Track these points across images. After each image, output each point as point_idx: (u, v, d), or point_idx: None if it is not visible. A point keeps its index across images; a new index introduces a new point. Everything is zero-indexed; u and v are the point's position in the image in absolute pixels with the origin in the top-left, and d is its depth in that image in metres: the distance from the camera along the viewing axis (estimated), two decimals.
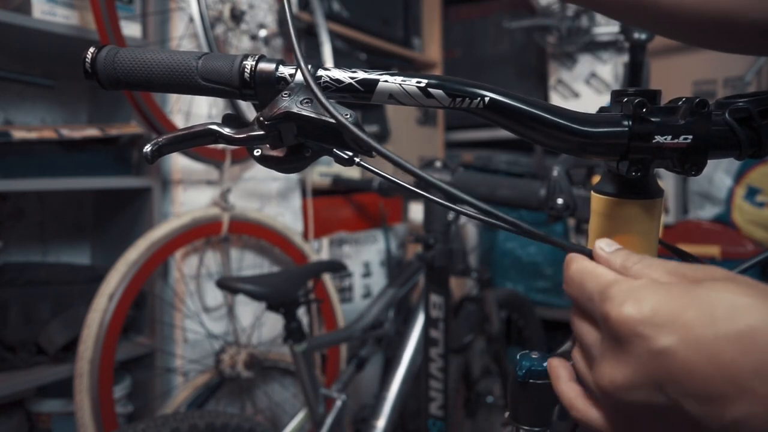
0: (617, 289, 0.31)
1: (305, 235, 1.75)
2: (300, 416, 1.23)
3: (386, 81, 0.42)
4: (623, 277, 0.32)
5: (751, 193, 1.79)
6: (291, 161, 0.43)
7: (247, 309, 1.58)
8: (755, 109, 0.39)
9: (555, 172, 0.96)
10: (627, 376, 0.29)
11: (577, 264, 0.36)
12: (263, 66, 0.42)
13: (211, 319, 1.50)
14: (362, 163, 0.43)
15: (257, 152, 0.44)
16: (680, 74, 1.87)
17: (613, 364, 0.30)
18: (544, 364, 0.48)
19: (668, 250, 0.50)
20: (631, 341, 0.29)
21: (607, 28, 1.97)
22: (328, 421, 1.15)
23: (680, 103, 0.39)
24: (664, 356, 0.27)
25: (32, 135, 1.17)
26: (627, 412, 0.30)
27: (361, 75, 0.43)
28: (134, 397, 1.42)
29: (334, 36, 1.80)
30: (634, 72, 1.02)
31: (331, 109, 0.38)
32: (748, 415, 0.25)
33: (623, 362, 0.29)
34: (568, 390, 0.36)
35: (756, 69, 1.71)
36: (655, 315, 0.28)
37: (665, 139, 0.39)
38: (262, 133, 0.40)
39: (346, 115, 0.38)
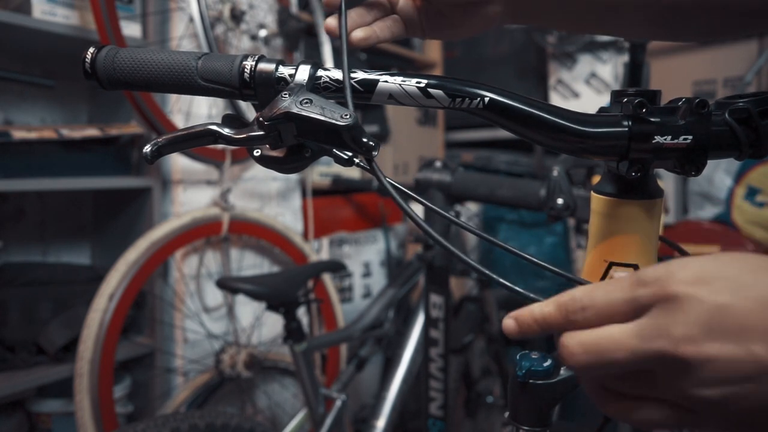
0: (652, 270, 0.29)
1: (305, 235, 1.75)
2: (300, 416, 1.23)
3: (386, 81, 0.42)
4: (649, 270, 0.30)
5: (751, 193, 1.79)
6: (291, 161, 0.43)
7: (247, 309, 1.58)
8: (755, 110, 0.39)
9: (555, 172, 0.96)
10: (698, 331, 0.26)
11: (579, 336, 0.30)
12: (263, 66, 0.42)
13: (211, 319, 1.50)
14: (361, 163, 0.43)
15: (257, 152, 0.44)
16: (680, 74, 1.87)
17: (680, 326, 0.27)
18: (544, 364, 0.48)
19: (669, 246, 0.50)
20: (690, 301, 0.27)
21: None
22: (328, 421, 1.15)
23: (680, 103, 0.39)
24: (724, 307, 0.26)
25: (32, 135, 1.17)
26: (709, 371, 0.27)
27: (360, 75, 0.43)
28: (134, 397, 1.42)
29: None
30: (634, 72, 1.02)
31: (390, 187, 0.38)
32: None
33: (689, 322, 0.27)
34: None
35: (756, 69, 1.71)
36: (705, 273, 0.27)
37: (665, 139, 0.39)
38: (261, 133, 0.40)
39: (346, 115, 0.38)
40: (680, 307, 0.27)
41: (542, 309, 0.32)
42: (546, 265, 0.41)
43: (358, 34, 0.46)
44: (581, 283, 0.43)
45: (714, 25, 0.45)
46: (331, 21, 0.45)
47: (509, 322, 0.33)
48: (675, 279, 0.28)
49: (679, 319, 0.27)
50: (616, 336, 0.28)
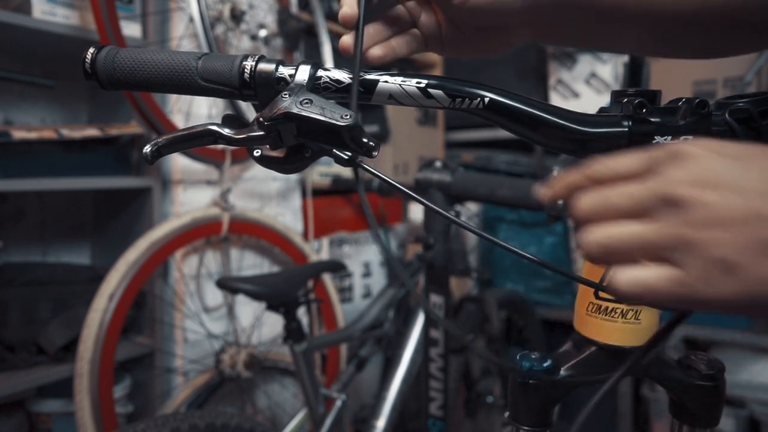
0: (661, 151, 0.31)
1: (305, 235, 1.75)
2: (300, 416, 1.23)
3: (386, 81, 0.42)
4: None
5: None
6: (291, 161, 0.43)
7: (247, 309, 1.58)
8: (755, 110, 0.39)
9: (555, 172, 0.96)
10: (693, 177, 0.29)
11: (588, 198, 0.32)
12: (263, 66, 0.42)
13: (211, 319, 1.50)
14: (362, 163, 0.43)
15: (257, 152, 0.44)
16: (680, 74, 1.87)
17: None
18: (544, 364, 0.48)
19: None
20: (693, 156, 0.29)
21: None
22: (328, 421, 1.15)
23: (680, 103, 0.39)
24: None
25: (32, 135, 1.17)
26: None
27: (361, 75, 0.43)
28: (134, 397, 1.42)
29: (334, 36, 1.80)
30: (634, 72, 1.02)
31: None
32: None
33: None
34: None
35: (756, 69, 1.71)
36: (716, 142, 0.30)
37: (665, 139, 0.39)
38: (261, 133, 0.40)
39: (346, 115, 0.38)
40: (685, 159, 0.29)
41: (569, 174, 0.34)
42: (546, 262, 0.41)
43: (375, 52, 0.45)
44: (581, 280, 0.43)
45: (716, 42, 0.45)
46: (347, 39, 0.43)
47: (546, 191, 0.35)
48: (686, 142, 0.30)
49: (682, 166, 0.29)
50: (625, 188, 0.31)
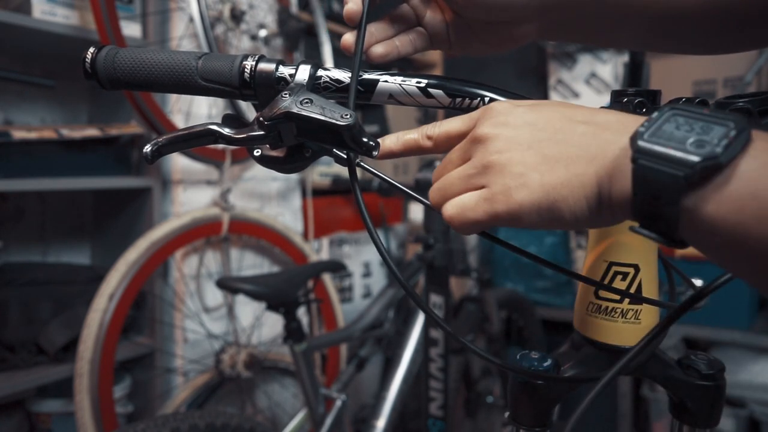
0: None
1: (305, 235, 1.75)
2: (300, 416, 1.23)
3: (386, 81, 0.42)
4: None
5: None
6: (291, 161, 0.43)
7: (247, 309, 1.58)
8: (755, 109, 0.39)
9: None
10: (490, 121, 0.36)
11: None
12: (263, 66, 0.42)
13: (211, 319, 1.50)
14: (362, 163, 0.43)
15: (257, 152, 0.44)
16: (680, 74, 1.87)
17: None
18: (544, 364, 0.48)
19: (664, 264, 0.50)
20: (492, 109, 0.37)
21: None
22: (328, 421, 1.15)
23: (680, 103, 0.39)
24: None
25: (32, 135, 1.17)
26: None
27: (361, 75, 0.43)
28: (134, 397, 1.42)
29: (334, 36, 1.80)
30: (634, 72, 1.02)
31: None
32: None
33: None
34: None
35: (756, 69, 1.71)
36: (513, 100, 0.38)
37: None
38: (261, 133, 0.40)
39: (346, 115, 0.38)
40: (491, 111, 0.37)
41: (406, 132, 0.41)
42: (547, 261, 0.41)
43: (377, 50, 0.45)
44: (582, 279, 0.43)
45: (720, 38, 0.45)
46: (349, 37, 0.43)
47: (384, 143, 0.41)
48: (496, 101, 0.39)
49: (489, 116, 0.36)
50: (455, 147, 0.38)
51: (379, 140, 0.40)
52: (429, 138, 0.40)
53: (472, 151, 0.36)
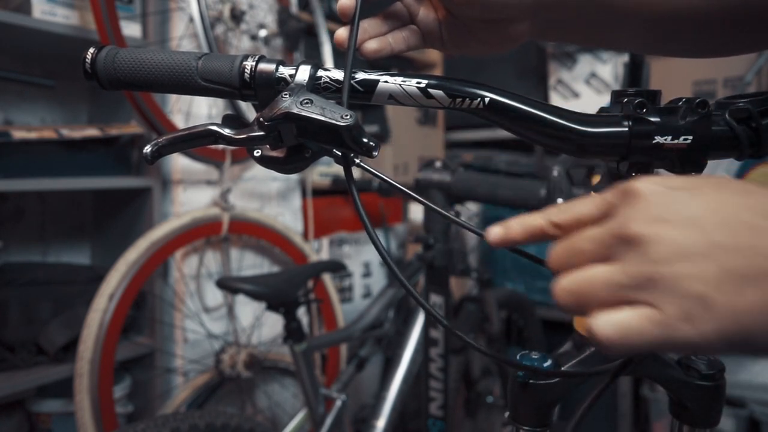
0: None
1: (305, 235, 1.75)
2: (300, 416, 1.23)
3: (386, 81, 0.42)
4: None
5: None
6: (291, 162, 0.43)
7: (247, 309, 1.58)
8: (755, 109, 0.39)
9: (555, 172, 0.96)
10: (647, 215, 0.29)
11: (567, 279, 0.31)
12: (263, 66, 0.42)
13: (211, 319, 1.50)
14: (362, 163, 0.43)
15: (257, 153, 0.44)
16: (680, 74, 1.87)
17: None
18: (545, 364, 0.48)
19: None
20: (643, 193, 0.29)
21: None
22: (328, 421, 1.15)
23: (680, 103, 0.39)
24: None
25: (32, 135, 1.17)
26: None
27: (361, 75, 0.43)
28: (134, 397, 1.42)
29: (334, 36, 1.80)
30: (634, 72, 1.02)
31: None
32: None
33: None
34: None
35: (756, 69, 1.71)
36: (666, 177, 0.30)
37: (665, 139, 0.39)
38: (261, 133, 0.40)
39: (346, 115, 0.38)
40: (638, 198, 0.29)
41: (529, 216, 0.34)
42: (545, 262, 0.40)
43: (370, 45, 0.44)
44: None
45: (718, 41, 0.45)
46: (342, 32, 0.43)
47: (495, 229, 0.34)
48: (638, 180, 0.30)
49: (635, 205, 0.29)
50: (587, 232, 0.31)
51: (503, 226, 0.34)
52: (556, 226, 0.33)
53: (619, 251, 0.29)
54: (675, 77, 1.88)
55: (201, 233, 1.37)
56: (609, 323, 0.28)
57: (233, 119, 0.43)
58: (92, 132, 1.27)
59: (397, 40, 0.46)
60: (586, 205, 0.32)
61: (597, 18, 0.44)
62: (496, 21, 0.44)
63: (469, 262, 1.50)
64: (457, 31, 0.46)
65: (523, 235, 0.34)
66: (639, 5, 0.43)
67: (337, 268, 1.29)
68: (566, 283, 0.30)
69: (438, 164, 1.08)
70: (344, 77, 0.41)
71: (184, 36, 1.41)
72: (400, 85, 0.42)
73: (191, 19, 1.33)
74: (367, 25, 0.44)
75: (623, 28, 0.45)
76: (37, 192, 1.46)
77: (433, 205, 0.42)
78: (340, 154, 0.43)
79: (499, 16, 0.44)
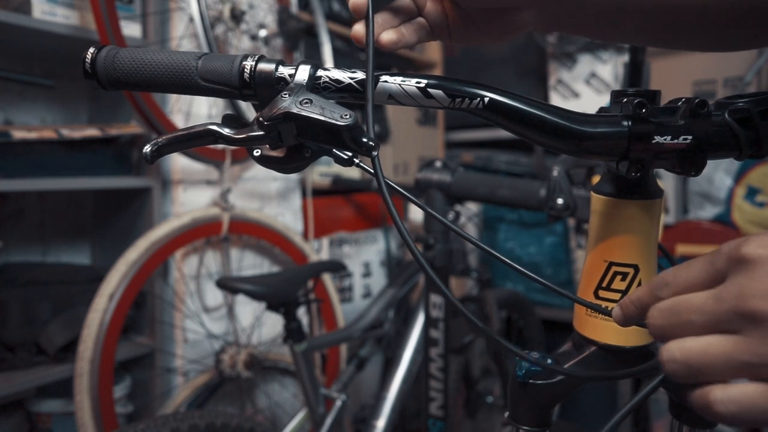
0: (727, 243, 0.30)
1: (305, 235, 1.75)
2: (300, 416, 1.23)
3: (386, 81, 0.42)
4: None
5: (751, 193, 1.79)
6: (291, 161, 0.43)
7: (247, 309, 1.58)
8: (755, 110, 0.39)
9: (555, 172, 0.96)
10: (764, 287, 0.27)
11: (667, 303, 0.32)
12: (263, 66, 0.42)
13: (211, 319, 1.50)
14: (361, 163, 0.43)
15: (257, 152, 0.44)
16: (680, 74, 1.87)
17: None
18: None
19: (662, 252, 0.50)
20: (758, 261, 0.28)
21: None
22: (328, 421, 1.15)
23: (680, 103, 0.39)
24: None
25: (32, 135, 1.17)
26: None
27: (360, 75, 0.43)
28: (134, 397, 1.42)
29: (334, 36, 1.80)
30: (634, 72, 1.02)
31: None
32: None
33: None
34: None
35: (756, 69, 1.71)
36: None
37: (665, 139, 0.39)
38: (261, 133, 0.40)
39: (346, 115, 0.38)
40: (752, 267, 0.28)
41: (636, 291, 0.34)
42: (537, 278, 0.41)
43: (387, 36, 0.44)
44: (569, 297, 0.43)
45: (723, 36, 0.45)
46: (358, 28, 0.43)
47: (617, 311, 0.36)
48: (748, 243, 0.29)
49: (752, 276, 0.28)
50: (695, 302, 0.30)
51: (621, 305, 0.35)
52: (659, 297, 0.33)
53: (739, 327, 0.28)
54: (675, 77, 1.88)
55: (201, 233, 1.37)
56: (733, 400, 0.28)
57: (233, 119, 0.43)
58: (92, 132, 1.27)
59: (410, 32, 0.46)
60: (693, 270, 0.31)
61: (601, 10, 0.44)
62: (502, 11, 0.45)
63: (469, 262, 1.50)
64: (463, 22, 0.46)
65: (635, 310, 0.34)
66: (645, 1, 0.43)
67: (337, 268, 1.29)
68: (679, 355, 0.29)
69: (438, 164, 1.08)
70: (366, 74, 0.41)
71: (184, 36, 1.41)
72: (399, 84, 0.42)
73: (191, 19, 1.33)
74: (381, 19, 0.45)
75: (627, 21, 0.45)
76: (37, 192, 1.46)
77: (429, 209, 0.42)
78: (339, 154, 0.43)
79: (501, 5, 0.44)
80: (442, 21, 0.47)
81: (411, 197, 0.42)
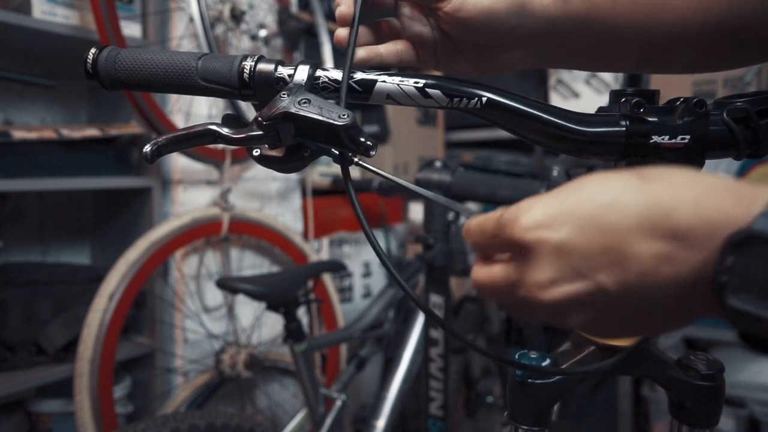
0: (509, 212, 0.33)
1: (305, 235, 1.75)
2: (300, 416, 1.23)
3: (384, 81, 0.42)
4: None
5: None
6: (290, 161, 0.44)
7: (247, 309, 1.58)
8: (753, 109, 0.39)
9: (555, 172, 0.96)
10: (549, 277, 0.30)
11: (475, 220, 0.37)
12: (262, 66, 0.42)
13: (211, 319, 1.50)
14: (360, 163, 0.44)
15: (256, 152, 0.44)
16: (680, 74, 1.87)
17: (534, 275, 0.31)
18: (544, 363, 0.48)
19: None
20: (536, 247, 0.31)
21: None
22: (328, 421, 1.15)
23: (678, 103, 0.40)
24: (566, 246, 0.30)
25: (32, 135, 1.17)
26: (565, 310, 0.31)
27: (359, 75, 0.43)
28: (134, 397, 1.42)
29: (334, 36, 1.80)
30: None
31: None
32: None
33: (540, 268, 0.30)
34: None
35: (756, 69, 1.71)
36: (546, 215, 0.31)
37: (662, 138, 0.39)
38: (260, 133, 0.40)
39: (344, 115, 0.38)
40: (530, 255, 0.31)
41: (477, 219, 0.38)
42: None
43: (359, 54, 0.45)
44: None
45: (716, 57, 0.45)
46: (341, 32, 0.43)
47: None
48: (519, 225, 0.32)
49: (531, 266, 0.31)
50: (495, 276, 0.34)
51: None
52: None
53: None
54: (675, 77, 1.88)
55: (201, 233, 1.38)
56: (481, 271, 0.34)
57: (233, 119, 0.43)
58: (92, 132, 1.27)
59: (390, 52, 0.46)
60: (483, 233, 0.35)
61: (591, 45, 0.44)
62: (488, 47, 0.44)
63: (469, 261, 1.50)
64: (450, 52, 0.46)
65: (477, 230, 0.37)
66: (633, 32, 0.43)
67: (337, 268, 1.29)
68: (478, 274, 0.36)
69: (438, 164, 1.08)
70: (342, 77, 0.41)
71: (184, 36, 1.41)
72: (398, 84, 0.42)
73: (191, 19, 1.33)
74: (360, 32, 0.45)
75: (618, 53, 0.45)
76: (37, 192, 1.46)
77: (435, 196, 0.42)
78: (338, 153, 0.43)
79: (490, 43, 0.44)
80: (429, 47, 0.46)
81: (414, 187, 0.42)
